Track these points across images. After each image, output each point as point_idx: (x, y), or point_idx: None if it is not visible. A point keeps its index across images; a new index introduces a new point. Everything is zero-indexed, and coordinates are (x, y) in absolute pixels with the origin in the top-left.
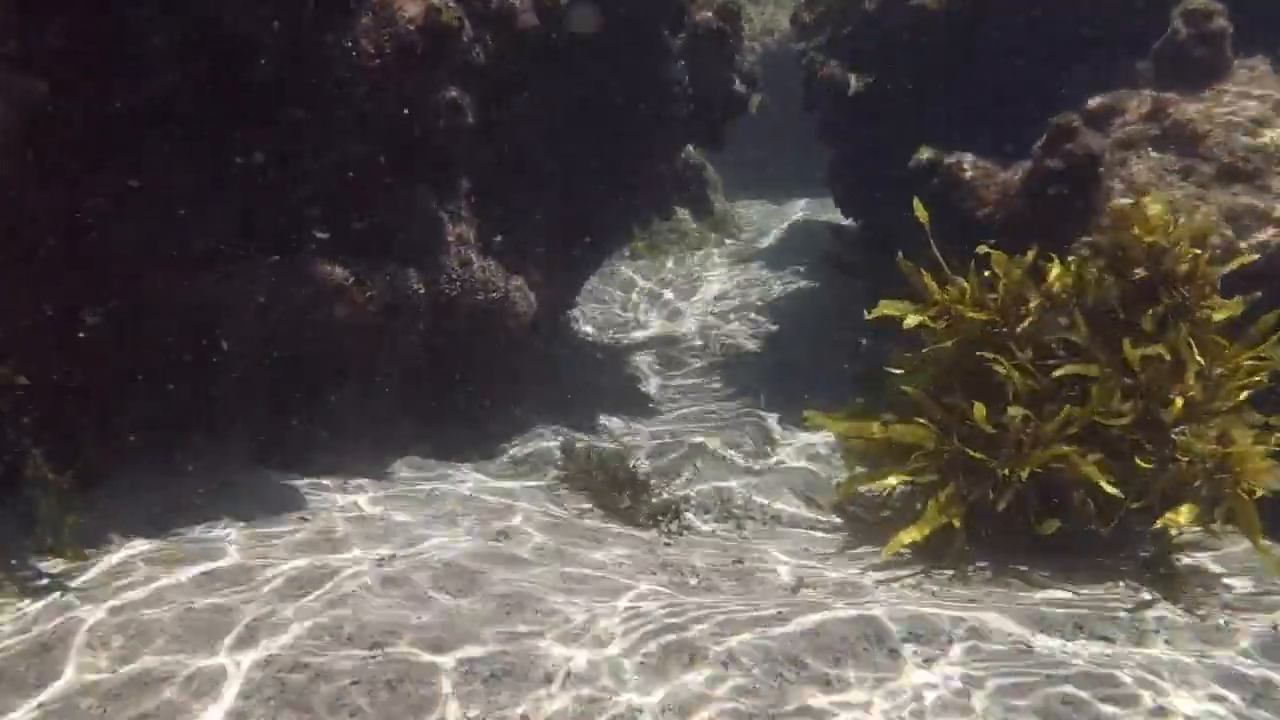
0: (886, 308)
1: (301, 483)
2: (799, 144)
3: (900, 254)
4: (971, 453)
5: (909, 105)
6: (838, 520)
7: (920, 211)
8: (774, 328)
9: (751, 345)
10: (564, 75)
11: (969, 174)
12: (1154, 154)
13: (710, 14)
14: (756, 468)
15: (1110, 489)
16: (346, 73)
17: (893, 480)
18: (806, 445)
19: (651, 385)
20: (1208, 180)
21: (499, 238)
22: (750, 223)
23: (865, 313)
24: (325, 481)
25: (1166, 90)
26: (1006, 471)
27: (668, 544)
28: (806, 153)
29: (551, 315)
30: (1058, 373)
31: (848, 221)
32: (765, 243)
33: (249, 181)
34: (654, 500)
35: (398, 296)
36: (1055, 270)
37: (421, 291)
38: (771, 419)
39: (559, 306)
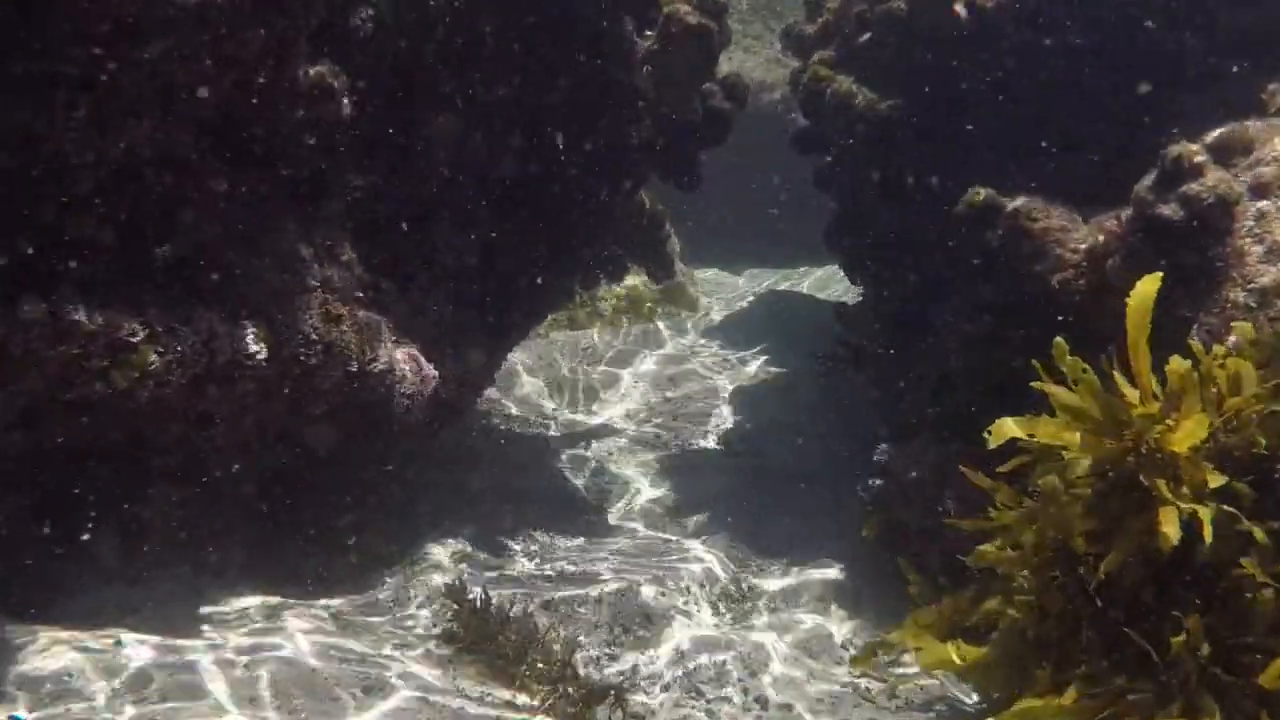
0: (1018, 427)
1: (37, 639)
2: (762, 206)
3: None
4: None
5: (948, 135)
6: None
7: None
8: (746, 423)
9: (715, 444)
10: (486, 74)
11: (1041, 224)
12: None
13: (690, 7)
14: (729, 624)
15: None
16: (130, 16)
17: None
18: (800, 585)
19: (588, 489)
20: None
21: (390, 286)
22: (712, 289)
23: (986, 436)
24: (83, 636)
25: None
26: None
27: None
28: (770, 217)
29: (463, 393)
30: None
31: (847, 296)
32: (731, 314)
33: None
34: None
35: (220, 362)
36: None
37: (262, 356)
38: (744, 547)
39: (475, 382)
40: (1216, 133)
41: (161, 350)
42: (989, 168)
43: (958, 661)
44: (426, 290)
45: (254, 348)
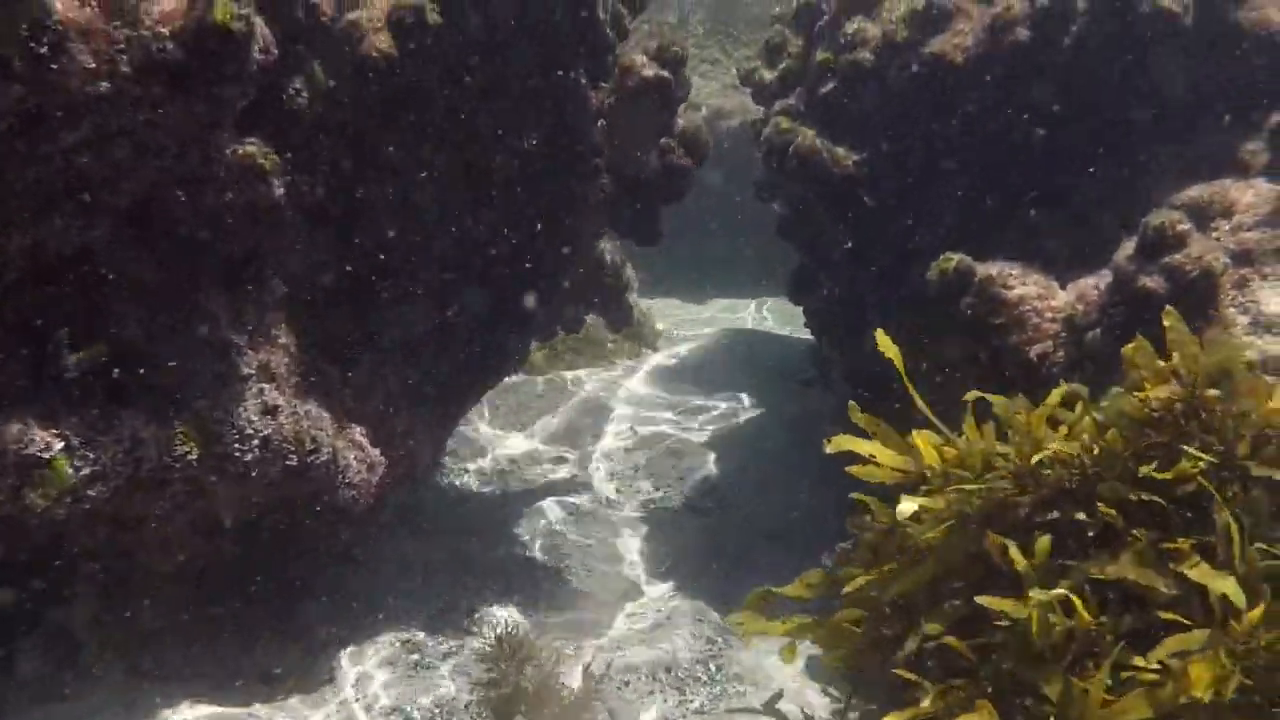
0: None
1: None
2: (727, 233)
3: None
4: None
5: (917, 191)
6: None
7: (886, 345)
8: (711, 475)
9: (680, 499)
10: (434, 138)
11: (1016, 291)
12: None
13: (646, 58)
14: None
15: None
16: (37, 100)
17: None
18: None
19: (546, 554)
20: None
21: (333, 367)
22: (675, 328)
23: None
24: None
25: None
26: None
27: None
28: (735, 245)
29: (413, 467)
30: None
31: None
32: (694, 355)
33: None
34: None
35: (146, 469)
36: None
37: (192, 457)
38: (713, 621)
39: (426, 454)
40: (1196, 193)
41: (80, 464)
42: (960, 223)
43: None
44: (373, 367)
45: (182, 449)
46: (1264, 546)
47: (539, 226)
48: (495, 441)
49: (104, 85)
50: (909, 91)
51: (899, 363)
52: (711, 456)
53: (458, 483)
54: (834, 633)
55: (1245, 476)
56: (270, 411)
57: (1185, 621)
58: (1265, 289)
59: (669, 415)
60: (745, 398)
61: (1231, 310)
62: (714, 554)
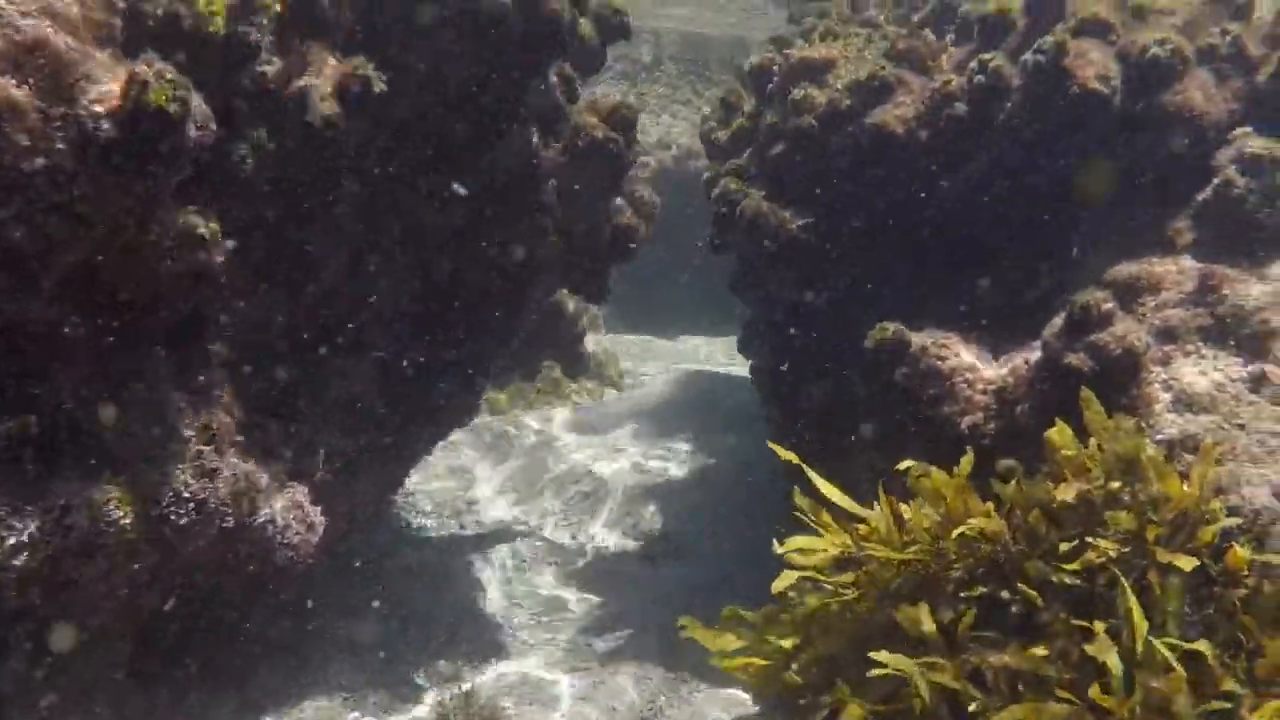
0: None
1: None
2: (696, 271)
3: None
4: None
5: (859, 256)
6: None
7: (787, 455)
8: (667, 522)
9: (634, 545)
10: (382, 196)
11: (949, 362)
12: (1209, 351)
13: (596, 119)
14: None
15: None
16: None
17: None
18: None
19: (497, 605)
20: None
21: (276, 425)
22: (639, 366)
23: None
24: None
25: (1214, 258)
26: None
27: None
28: (705, 284)
29: (358, 523)
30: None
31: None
32: (654, 397)
33: None
34: None
35: (76, 537)
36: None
37: (126, 522)
38: (659, 671)
39: (374, 504)
40: (1125, 270)
41: (6, 534)
42: (900, 290)
43: None
44: (317, 424)
45: (115, 514)
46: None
47: (489, 282)
48: (448, 485)
49: (39, 162)
50: (853, 159)
51: (808, 471)
52: (666, 501)
53: (409, 527)
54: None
55: (1155, 563)
56: (208, 474)
57: (1075, 702)
58: (1187, 366)
59: (625, 459)
60: (702, 441)
61: (1155, 387)
62: (664, 603)
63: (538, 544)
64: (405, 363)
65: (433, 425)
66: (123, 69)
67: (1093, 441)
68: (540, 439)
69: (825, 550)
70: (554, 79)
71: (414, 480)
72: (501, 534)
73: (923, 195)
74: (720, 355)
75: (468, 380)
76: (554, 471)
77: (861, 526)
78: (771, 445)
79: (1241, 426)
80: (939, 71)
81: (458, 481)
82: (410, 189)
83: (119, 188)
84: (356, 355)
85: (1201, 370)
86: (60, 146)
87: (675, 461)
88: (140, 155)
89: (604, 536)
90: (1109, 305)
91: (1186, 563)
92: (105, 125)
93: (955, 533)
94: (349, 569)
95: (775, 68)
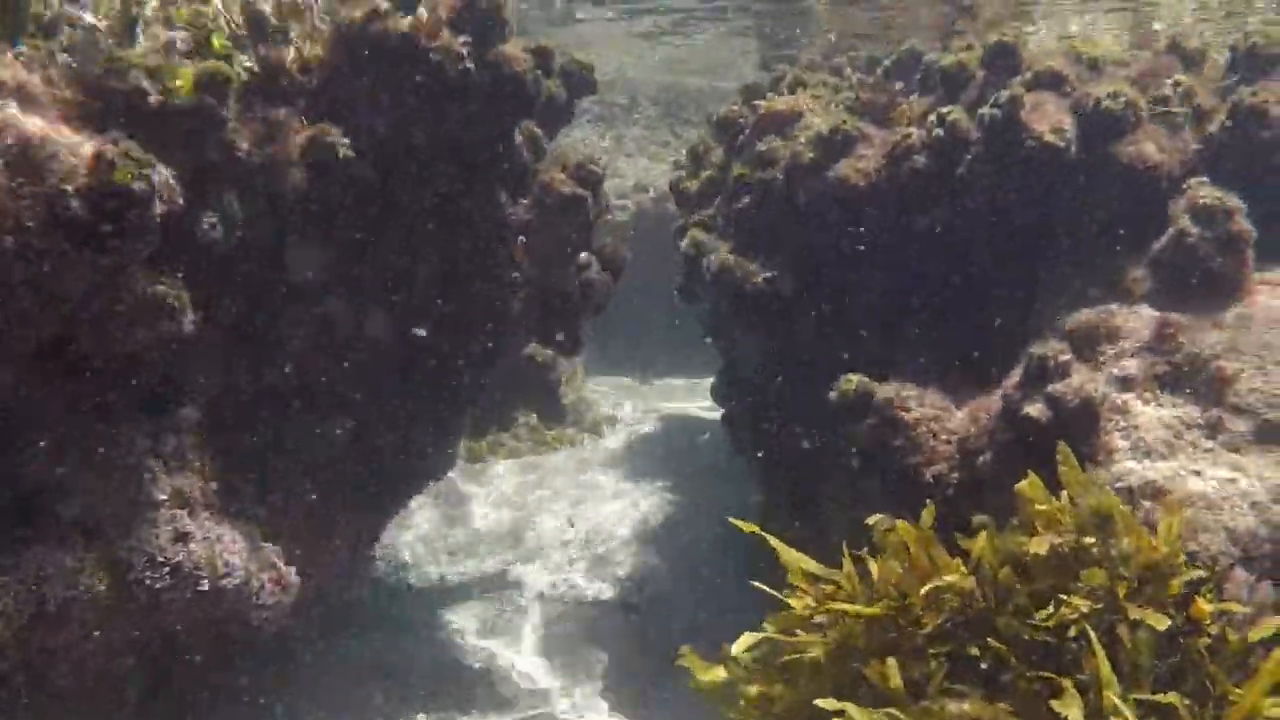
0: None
1: None
2: (673, 312)
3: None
4: None
5: (826, 305)
6: None
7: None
8: (645, 569)
9: (612, 594)
10: (352, 253)
11: (914, 413)
12: (1166, 398)
13: (563, 176)
14: None
15: None
16: None
17: None
18: None
19: (478, 656)
20: (1242, 442)
21: (250, 487)
22: (619, 410)
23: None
24: None
25: (1170, 307)
26: None
27: None
28: (683, 324)
29: (333, 578)
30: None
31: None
32: (634, 444)
33: None
34: None
35: (52, 605)
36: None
37: (101, 588)
38: None
39: (350, 560)
40: (1083, 317)
41: None
42: (865, 339)
43: None
44: (292, 483)
45: (90, 580)
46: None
47: (460, 338)
48: (431, 534)
49: (9, 240)
50: (817, 211)
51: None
52: (644, 550)
53: (390, 578)
54: None
55: (1125, 618)
56: (182, 538)
57: None
58: (1145, 414)
59: (605, 506)
60: (680, 488)
61: (1114, 435)
62: (642, 653)
63: (518, 593)
64: (379, 419)
65: (409, 480)
66: (90, 146)
67: (1064, 494)
68: (518, 488)
69: (792, 612)
70: (520, 139)
71: (391, 531)
72: (481, 583)
73: (887, 245)
74: (699, 397)
75: (442, 435)
76: (533, 519)
77: (827, 586)
78: (734, 523)
79: (1198, 473)
80: (902, 123)
81: (436, 531)
82: (380, 246)
83: (88, 262)
84: (330, 413)
85: (1159, 418)
86: (30, 224)
87: (654, 509)
88: (108, 232)
89: (583, 585)
90: (1066, 357)
91: (1159, 620)
92: (74, 204)
93: (924, 589)
94: (333, 618)
95: (743, 119)
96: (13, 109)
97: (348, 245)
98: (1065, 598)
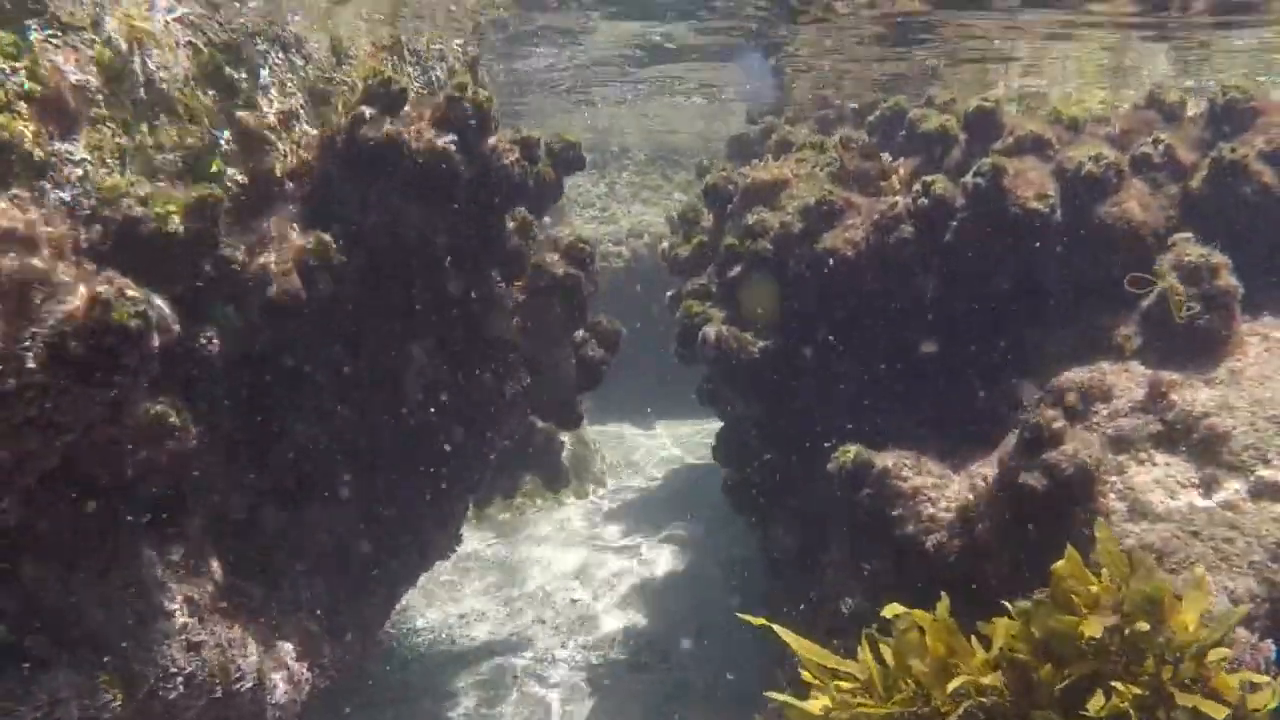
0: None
1: None
2: (670, 355)
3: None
4: None
5: (820, 371)
6: None
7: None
8: (655, 624)
9: (622, 651)
10: (350, 346)
11: (911, 482)
12: (1160, 458)
13: (557, 256)
14: None
15: None
16: None
17: None
18: None
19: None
20: (1237, 499)
21: (259, 589)
22: (623, 459)
23: None
24: None
25: (1161, 364)
26: None
27: None
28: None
29: (347, 667)
30: None
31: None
32: (639, 495)
33: None
34: None
35: None
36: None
37: (116, 704)
38: None
39: (360, 645)
40: (1075, 376)
41: None
42: (858, 405)
43: None
44: (299, 581)
45: (105, 697)
46: None
47: (460, 420)
48: (436, 602)
49: (11, 383)
50: (808, 279)
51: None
52: (653, 606)
53: (401, 645)
54: None
55: (1171, 704)
56: (194, 647)
57: None
58: (1142, 475)
59: (611, 562)
60: (687, 540)
61: (1110, 498)
62: (655, 711)
63: (529, 656)
64: (382, 505)
65: (415, 561)
66: (86, 285)
67: (1105, 573)
68: (524, 549)
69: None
70: (511, 225)
71: (400, 600)
72: (493, 648)
73: (878, 310)
74: (699, 441)
75: (447, 515)
76: (540, 581)
77: (844, 682)
78: (741, 617)
79: (1196, 534)
80: (889, 189)
81: (445, 597)
82: (376, 336)
83: (89, 398)
84: (335, 503)
85: (1155, 479)
86: (31, 365)
87: (660, 562)
88: (106, 368)
89: (593, 643)
90: (1059, 424)
91: (1216, 710)
92: (73, 344)
93: (950, 685)
94: (339, 697)
95: (731, 186)
96: (9, 252)
97: (344, 339)
98: (1116, 685)
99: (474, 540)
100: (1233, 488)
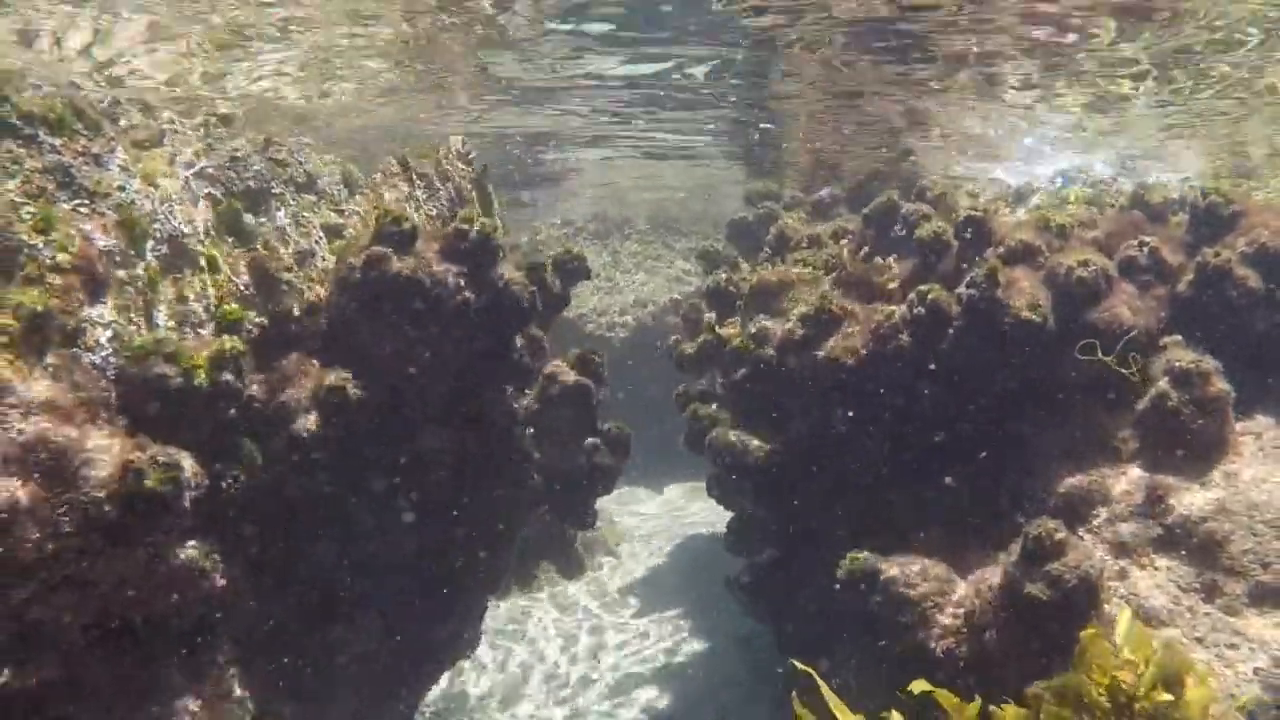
0: None
1: None
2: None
3: None
4: None
5: (827, 476)
6: None
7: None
8: (672, 705)
9: None
10: (370, 462)
11: (919, 589)
12: (1161, 563)
13: (567, 366)
14: None
15: None
16: None
17: None
18: None
19: None
20: (1238, 604)
21: (290, 708)
22: (636, 525)
23: None
24: None
25: (1156, 467)
26: None
27: None
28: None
29: None
30: None
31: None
32: (651, 569)
33: None
34: None
35: None
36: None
37: None
38: None
39: None
40: (1076, 481)
41: None
42: (865, 508)
43: None
44: (325, 694)
45: None
46: None
47: (478, 528)
48: (458, 683)
49: (49, 547)
50: (810, 385)
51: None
52: (669, 685)
53: None
54: None
55: None
56: None
57: None
58: (1144, 580)
59: (627, 642)
60: (699, 615)
61: (1114, 603)
62: None
63: None
64: (405, 613)
65: (437, 662)
66: (119, 447)
67: (1127, 651)
68: (538, 629)
69: None
70: (521, 342)
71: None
72: None
73: (878, 415)
74: (710, 506)
75: (467, 618)
76: (555, 662)
77: None
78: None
79: (1199, 640)
80: (885, 294)
81: (469, 674)
82: (396, 453)
83: (123, 557)
84: (358, 617)
85: (1157, 584)
86: (67, 529)
87: (675, 640)
88: (139, 530)
89: None
90: (1061, 535)
91: None
92: (107, 508)
93: None
94: None
95: (733, 289)
96: (45, 423)
97: (361, 461)
98: None
99: (494, 614)
100: (1234, 591)
